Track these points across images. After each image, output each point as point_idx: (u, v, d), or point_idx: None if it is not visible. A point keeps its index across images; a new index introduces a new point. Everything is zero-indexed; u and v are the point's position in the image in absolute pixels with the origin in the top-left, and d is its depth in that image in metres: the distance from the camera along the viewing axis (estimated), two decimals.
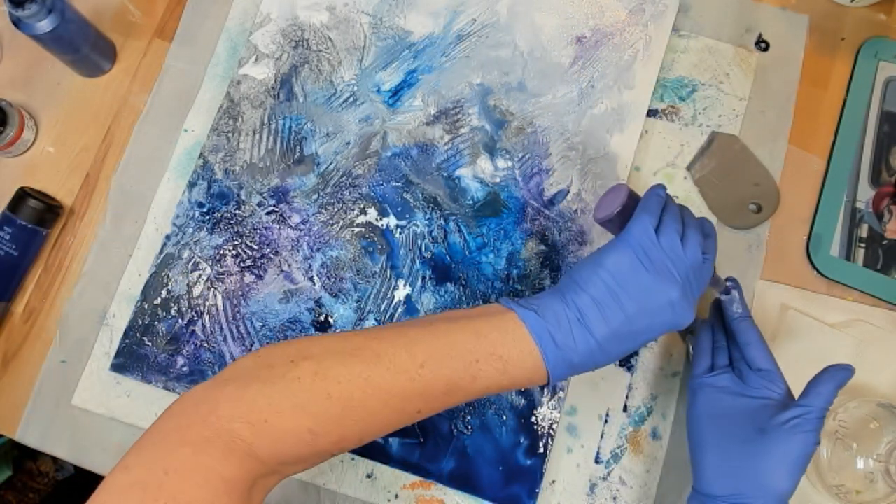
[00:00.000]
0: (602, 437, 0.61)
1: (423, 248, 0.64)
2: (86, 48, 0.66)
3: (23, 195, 0.63)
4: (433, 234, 0.64)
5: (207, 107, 0.68)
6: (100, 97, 0.69)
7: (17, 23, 0.61)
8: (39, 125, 0.69)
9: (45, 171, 0.68)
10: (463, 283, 0.63)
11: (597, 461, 0.61)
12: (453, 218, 0.65)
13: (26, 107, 0.68)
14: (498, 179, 0.65)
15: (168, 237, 0.65)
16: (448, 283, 0.63)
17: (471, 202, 0.65)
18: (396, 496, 0.60)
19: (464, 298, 0.63)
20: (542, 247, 0.64)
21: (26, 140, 0.67)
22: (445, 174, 0.66)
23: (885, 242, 0.64)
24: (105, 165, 0.68)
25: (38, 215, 0.63)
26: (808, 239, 0.64)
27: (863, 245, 0.64)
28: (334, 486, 0.60)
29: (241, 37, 0.69)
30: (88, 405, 0.62)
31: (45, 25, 0.61)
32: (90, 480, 0.63)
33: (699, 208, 0.65)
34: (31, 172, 0.68)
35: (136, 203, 0.66)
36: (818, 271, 0.64)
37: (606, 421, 0.61)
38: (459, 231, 0.64)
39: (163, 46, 0.70)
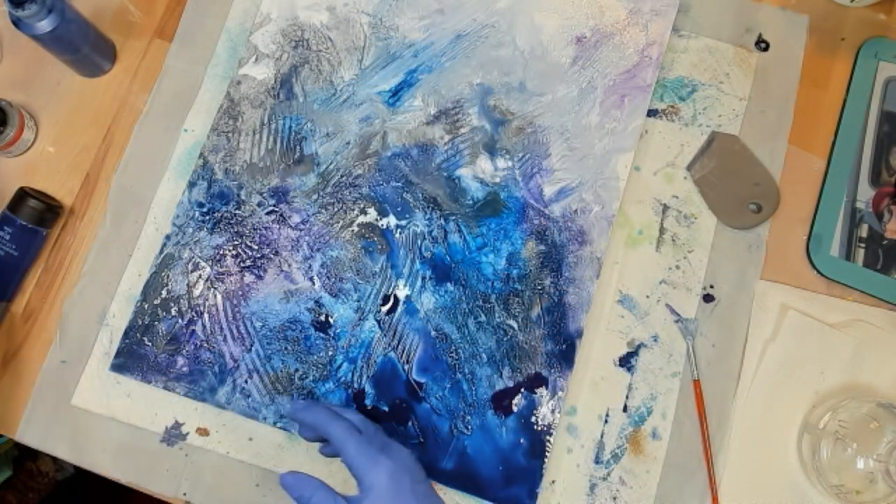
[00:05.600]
0: (602, 437, 0.61)
1: (423, 249, 0.64)
2: (86, 48, 0.66)
3: (23, 195, 0.63)
4: (433, 234, 0.64)
5: (207, 107, 0.68)
6: (100, 97, 0.69)
7: (16, 23, 0.61)
8: (39, 125, 0.69)
9: (45, 171, 0.68)
10: (463, 283, 0.63)
11: (597, 461, 0.61)
12: (453, 218, 0.65)
13: (26, 107, 0.68)
14: (498, 179, 0.65)
15: (168, 237, 0.65)
16: (448, 284, 0.63)
17: (471, 202, 0.65)
18: None
19: (464, 299, 0.63)
20: (542, 247, 0.64)
21: (26, 140, 0.67)
22: (445, 174, 0.66)
23: (885, 242, 0.64)
24: (105, 165, 0.68)
25: (38, 215, 0.63)
26: (808, 239, 0.64)
27: (863, 245, 0.64)
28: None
29: (241, 37, 0.69)
30: (88, 405, 0.62)
31: (45, 25, 0.61)
32: (90, 480, 0.63)
33: (699, 208, 0.65)
34: (31, 172, 0.68)
35: (136, 203, 0.66)
36: (818, 271, 0.64)
37: (606, 421, 0.61)
38: (459, 231, 0.64)
39: (163, 46, 0.70)
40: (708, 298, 0.63)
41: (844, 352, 0.62)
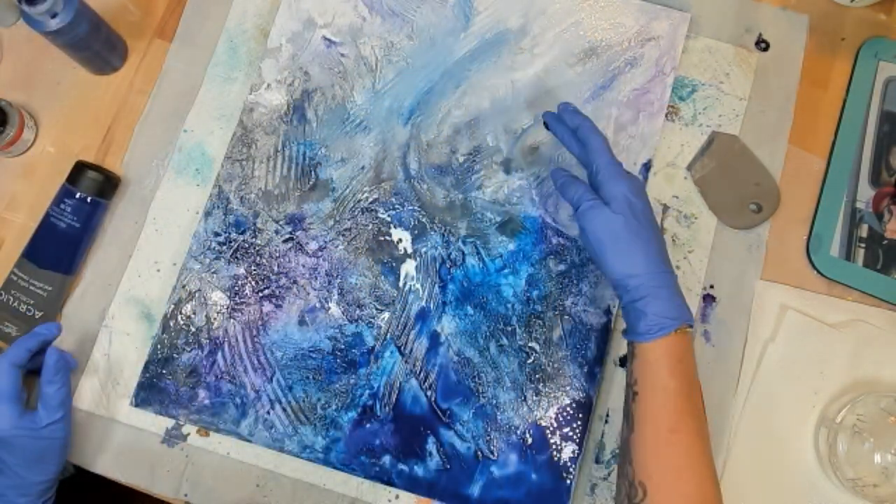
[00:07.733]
0: (602, 437, 0.61)
1: (442, 272, 0.63)
2: (97, 45, 0.65)
3: (81, 168, 0.63)
4: (452, 256, 0.64)
5: (207, 107, 0.68)
6: (100, 97, 0.69)
7: (28, 20, 0.60)
8: (39, 125, 0.69)
9: (45, 171, 0.68)
10: (483, 306, 0.63)
11: (597, 461, 0.61)
12: (471, 240, 0.64)
13: (26, 107, 0.68)
14: (514, 200, 0.65)
15: (185, 268, 0.64)
16: (468, 307, 0.63)
17: (488, 223, 0.64)
18: (398, 496, 0.60)
19: (484, 322, 0.62)
20: (562, 266, 0.63)
21: (26, 140, 0.67)
22: (462, 196, 0.65)
23: (884, 242, 0.64)
24: (105, 165, 0.68)
25: (98, 186, 0.63)
26: (808, 239, 0.64)
27: (863, 245, 0.64)
28: (334, 486, 0.60)
29: (241, 37, 0.69)
30: (89, 406, 0.62)
31: (56, 22, 0.60)
32: (90, 480, 0.63)
33: (699, 208, 0.65)
34: (31, 172, 0.68)
35: (136, 203, 0.66)
36: (818, 271, 0.64)
37: (607, 421, 0.61)
38: (478, 253, 0.64)
39: (163, 46, 0.70)
40: (708, 298, 0.63)
41: (844, 352, 0.62)
